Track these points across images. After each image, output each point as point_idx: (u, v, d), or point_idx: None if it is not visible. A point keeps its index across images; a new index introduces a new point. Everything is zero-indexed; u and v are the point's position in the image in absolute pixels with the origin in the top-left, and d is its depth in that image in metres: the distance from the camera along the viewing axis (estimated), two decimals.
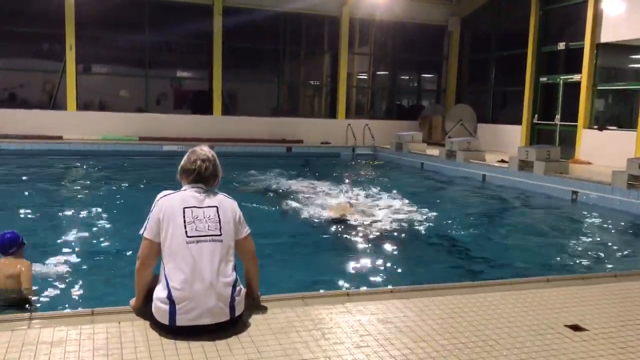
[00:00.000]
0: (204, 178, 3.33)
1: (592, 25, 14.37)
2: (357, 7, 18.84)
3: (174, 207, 3.18)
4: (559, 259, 6.56)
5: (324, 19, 19.47)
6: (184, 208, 3.18)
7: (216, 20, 17.76)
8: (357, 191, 10.55)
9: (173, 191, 3.31)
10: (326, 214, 8.02)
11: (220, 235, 3.17)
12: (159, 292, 3.10)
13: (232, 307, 3.13)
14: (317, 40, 20.55)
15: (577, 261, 6.49)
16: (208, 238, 3.13)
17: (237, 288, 3.18)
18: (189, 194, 3.28)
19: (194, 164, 3.32)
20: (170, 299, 3.03)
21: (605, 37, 14.25)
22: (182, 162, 3.38)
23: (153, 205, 3.22)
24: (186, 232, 3.11)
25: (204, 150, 3.39)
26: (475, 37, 20.47)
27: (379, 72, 21.55)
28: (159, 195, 3.27)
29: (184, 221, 3.14)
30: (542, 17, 16.45)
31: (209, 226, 3.16)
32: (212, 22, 17.74)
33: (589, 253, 6.89)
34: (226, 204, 3.31)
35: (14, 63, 17.25)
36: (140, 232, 3.21)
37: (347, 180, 11.91)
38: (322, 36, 20.22)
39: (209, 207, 3.23)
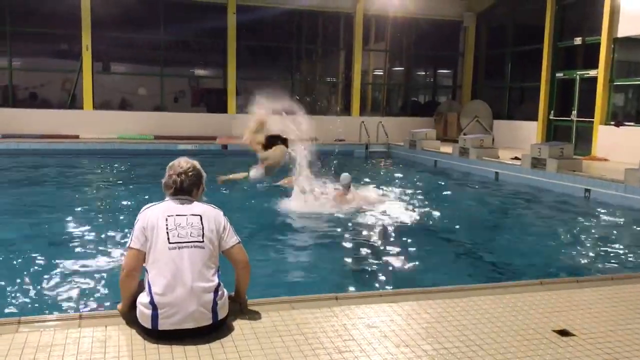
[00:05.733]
0: (185, 191, 3.39)
1: (609, 19, 14.13)
2: (371, 3, 18.78)
3: (157, 216, 3.25)
4: (566, 259, 6.46)
5: (339, 16, 19.44)
6: (167, 216, 3.25)
7: (230, 19, 17.85)
8: (366, 189, 10.53)
9: (155, 203, 3.38)
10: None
11: (202, 242, 3.22)
12: (143, 298, 3.16)
13: (214, 312, 3.17)
14: (332, 38, 20.53)
15: (584, 261, 6.40)
16: (190, 244, 3.18)
17: (220, 292, 3.22)
18: (171, 204, 3.35)
19: (169, 179, 3.40)
20: (152, 304, 3.09)
21: (623, 31, 14.01)
22: (165, 177, 3.45)
23: (137, 217, 3.30)
24: (168, 238, 3.17)
25: (181, 164, 3.44)
26: (491, 33, 20.26)
27: (394, 69, 21.46)
28: (142, 208, 3.34)
29: (167, 228, 3.19)
30: (558, 12, 16.22)
31: (191, 233, 3.21)
32: (226, 21, 17.84)
33: (598, 253, 6.79)
34: (210, 213, 3.36)
35: (33, 63, 17.56)
36: (127, 244, 3.28)
37: (357, 178, 11.87)
38: (337, 33, 20.19)
39: (192, 215, 3.28)
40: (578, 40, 15.41)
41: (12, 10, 16.57)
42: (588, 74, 15.16)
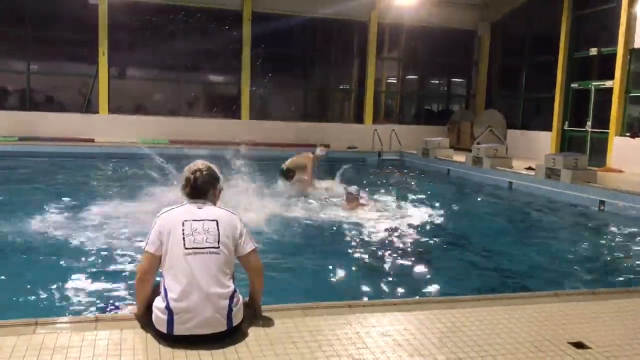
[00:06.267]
0: (200, 191, 3.40)
1: (626, 30, 14.06)
2: (386, 12, 18.82)
3: (173, 220, 3.27)
4: (581, 270, 6.41)
5: (353, 24, 19.50)
6: (183, 221, 3.26)
7: (245, 26, 17.96)
8: (378, 197, 10.53)
9: (172, 207, 3.40)
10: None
11: (218, 247, 3.23)
12: (159, 302, 3.18)
13: (229, 318, 3.19)
14: (346, 46, 20.59)
15: (600, 273, 6.36)
16: (205, 250, 3.19)
17: (235, 299, 3.23)
18: (188, 208, 3.36)
19: (184, 178, 3.41)
20: (168, 308, 3.11)
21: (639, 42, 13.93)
22: (182, 180, 3.47)
23: (154, 221, 3.32)
24: (184, 244, 3.19)
25: (197, 163, 3.47)
26: (506, 42, 20.22)
27: (407, 77, 21.47)
28: (160, 212, 3.37)
29: (183, 233, 3.21)
30: (573, 23, 16.17)
31: (207, 238, 3.22)
32: (241, 28, 17.96)
33: (614, 265, 6.74)
34: (226, 219, 3.36)
35: (51, 67, 17.77)
36: (143, 247, 3.31)
37: (369, 186, 11.86)
38: (351, 41, 20.25)
39: (208, 220, 3.29)
40: (594, 51, 15.34)
41: (32, 15, 16.80)
42: (604, 84, 15.07)
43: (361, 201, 8.73)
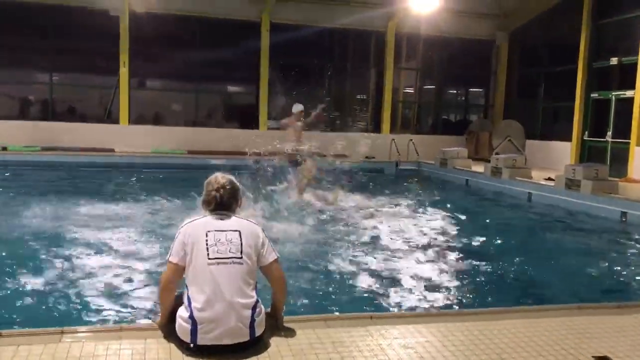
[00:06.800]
0: (224, 205, 3.45)
1: None
2: (403, 22, 18.85)
3: (197, 231, 3.30)
4: (604, 283, 6.35)
5: (371, 34, 19.55)
6: (207, 232, 3.29)
7: (264, 36, 18.10)
8: (396, 208, 10.51)
9: (196, 217, 3.43)
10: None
11: (241, 257, 3.26)
12: (182, 312, 3.21)
13: (252, 328, 3.20)
14: (363, 55, 20.63)
15: (624, 286, 6.28)
16: (229, 260, 3.22)
17: (257, 309, 3.25)
18: (211, 219, 3.40)
19: (209, 196, 3.45)
20: (192, 318, 3.13)
21: None
22: (203, 195, 3.51)
23: (177, 231, 3.36)
24: (208, 254, 3.22)
25: (218, 179, 3.50)
26: (524, 52, 20.12)
27: (425, 87, 21.44)
28: (183, 223, 3.41)
29: (207, 244, 3.24)
30: (593, 32, 16.05)
31: (230, 249, 3.25)
32: (259, 38, 18.10)
33: (636, 278, 6.65)
34: (249, 229, 3.39)
35: (73, 78, 18.04)
36: (166, 258, 3.34)
37: (386, 197, 11.85)
38: (368, 51, 20.28)
39: (231, 230, 3.33)
40: (614, 61, 15.21)
41: (55, 28, 17.10)
42: (624, 94, 14.92)
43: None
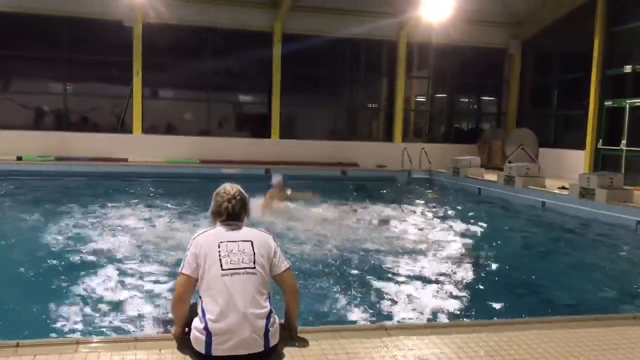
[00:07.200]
0: (234, 216, 3.47)
1: None
2: (415, 31, 18.85)
3: (209, 242, 3.32)
4: (621, 293, 6.27)
5: (382, 44, 19.57)
6: (219, 242, 3.31)
7: (275, 47, 18.19)
8: (408, 217, 10.48)
9: (207, 229, 3.45)
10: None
11: (254, 268, 3.27)
12: (197, 323, 3.22)
13: (266, 338, 3.20)
14: (375, 65, 20.67)
15: (639, 297, 6.20)
16: (242, 271, 3.23)
17: (271, 319, 3.25)
18: (223, 230, 3.42)
19: (220, 207, 3.47)
20: (206, 329, 3.14)
21: None
22: (211, 206, 3.53)
23: (189, 243, 3.37)
24: (221, 265, 3.23)
25: (227, 189, 3.53)
26: (537, 60, 20.03)
27: (437, 95, 21.41)
28: (195, 234, 3.42)
29: (219, 255, 3.25)
30: (607, 39, 15.96)
31: (242, 259, 3.26)
32: (271, 49, 18.19)
33: None
34: (261, 239, 3.41)
35: (86, 88, 18.21)
36: (179, 270, 3.35)
37: (399, 205, 11.81)
38: (380, 60, 20.32)
39: (243, 241, 3.34)
40: (628, 68, 15.10)
41: (69, 38, 17.31)
42: (638, 102, 14.80)
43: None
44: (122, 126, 17.79)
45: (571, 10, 17.51)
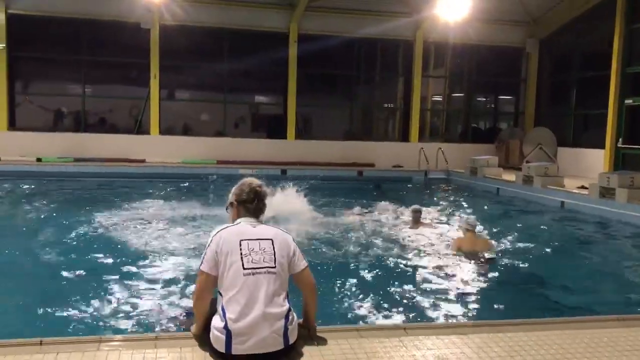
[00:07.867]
0: (259, 208, 3.48)
1: None
2: (431, 30, 18.77)
3: (230, 240, 3.30)
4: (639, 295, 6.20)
5: (398, 43, 19.52)
6: (241, 240, 3.30)
7: (291, 47, 18.22)
8: (427, 217, 10.42)
9: (227, 225, 3.44)
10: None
11: (275, 267, 3.27)
12: (217, 322, 3.22)
13: (285, 337, 3.21)
14: (391, 64, 20.62)
15: None
16: (263, 270, 3.23)
17: (290, 317, 3.26)
18: (244, 227, 3.40)
19: (249, 195, 3.45)
20: (226, 328, 3.14)
21: None
22: (236, 195, 3.50)
23: (209, 240, 3.35)
24: (243, 264, 3.23)
25: (253, 181, 3.52)
26: (555, 59, 19.84)
27: (454, 95, 21.30)
28: (214, 230, 3.40)
29: (241, 253, 3.25)
30: (627, 37, 15.75)
31: (264, 258, 3.26)
32: (287, 49, 18.22)
33: None
34: (281, 238, 3.40)
35: (104, 90, 18.40)
36: (199, 266, 3.35)
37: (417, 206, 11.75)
38: (396, 60, 20.27)
39: (264, 239, 3.34)
40: None
41: (88, 41, 17.52)
42: None
43: (424, 222, 8.82)
44: (140, 127, 17.94)
45: (589, 8, 17.33)
